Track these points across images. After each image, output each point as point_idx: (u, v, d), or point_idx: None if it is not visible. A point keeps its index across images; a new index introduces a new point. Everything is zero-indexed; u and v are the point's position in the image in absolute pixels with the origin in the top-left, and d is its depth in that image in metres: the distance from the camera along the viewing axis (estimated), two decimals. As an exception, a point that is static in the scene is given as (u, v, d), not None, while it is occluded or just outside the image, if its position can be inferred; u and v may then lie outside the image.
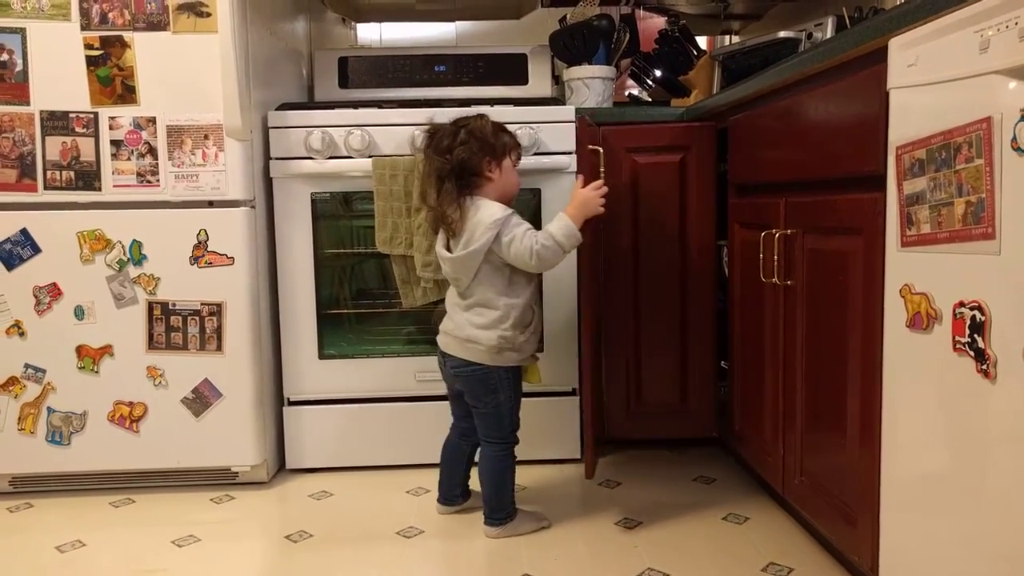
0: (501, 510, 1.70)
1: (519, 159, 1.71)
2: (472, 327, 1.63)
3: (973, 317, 0.93)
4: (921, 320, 1.04)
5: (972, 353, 0.94)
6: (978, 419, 0.94)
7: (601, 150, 1.74)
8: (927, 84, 1.01)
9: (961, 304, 0.95)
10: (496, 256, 1.60)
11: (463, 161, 1.60)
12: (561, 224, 1.60)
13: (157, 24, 1.84)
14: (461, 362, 1.65)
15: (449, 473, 1.82)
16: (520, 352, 1.66)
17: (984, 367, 0.91)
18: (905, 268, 1.08)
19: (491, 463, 1.69)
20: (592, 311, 1.69)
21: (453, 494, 1.83)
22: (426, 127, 1.68)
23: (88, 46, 1.83)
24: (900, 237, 1.08)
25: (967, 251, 0.94)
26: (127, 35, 1.84)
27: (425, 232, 1.88)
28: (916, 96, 1.04)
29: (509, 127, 1.95)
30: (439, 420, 1.92)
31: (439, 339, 1.71)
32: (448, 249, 1.64)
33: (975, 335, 0.93)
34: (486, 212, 1.59)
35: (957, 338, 0.96)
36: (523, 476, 2.03)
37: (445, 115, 1.76)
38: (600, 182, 1.66)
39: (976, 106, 0.91)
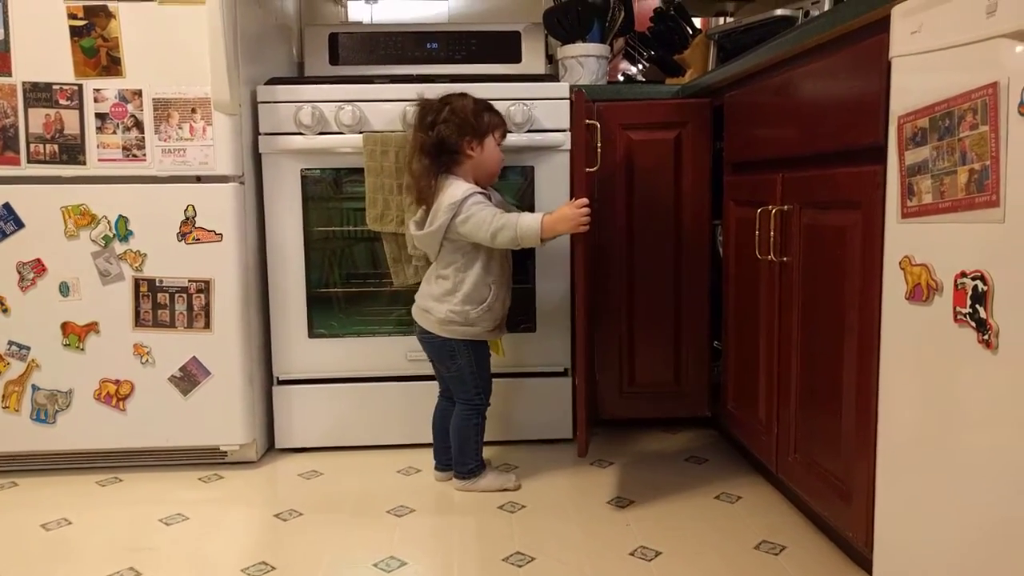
0: (464, 464, 1.80)
1: (503, 137, 1.77)
2: (430, 298, 1.76)
3: (975, 287, 0.92)
4: (921, 292, 1.02)
5: (973, 324, 0.92)
6: (979, 390, 0.93)
7: (598, 125, 1.71)
8: (931, 51, 0.99)
9: (963, 274, 0.94)
10: (455, 233, 1.68)
11: (443, 139, 1.68)
12: (530, 223, 1.64)
13: (143, -6, 1.80)
14: (422, 329, 1.78)
15: (440, 437, 1.87)
16: (473, 327, 1.73)
17: (986, 337, 0.90)
18: (905, 240, 1.06)
19: (457, 420, 1.80)
20: (586, 293, 1.69)
21: (447, 458, 1.85)
22: (416, 101, 1.74)
23: (71, 15, 1.79)
24: (900, 208, 1.07)
25: (970, 220, 0.93)
26: (112, 5, 1.79)
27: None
28: (919, 64, 1.02)
29: (502, 103, 1.93)
30: (430, 400, 1.91)
31: (413, 307, 1.82)
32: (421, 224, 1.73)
33: (977, 305, 0.92)
34: (448, 193, 1.67)
35: (958, 309, 0.95)
36: (514, 455, 2.02)
37: (434, 91, 1.77)
38: (584, 200, 1.63)
39: (982, 71, 0.89)
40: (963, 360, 0.95)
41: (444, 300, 1.73)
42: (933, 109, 0.99)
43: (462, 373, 1.76)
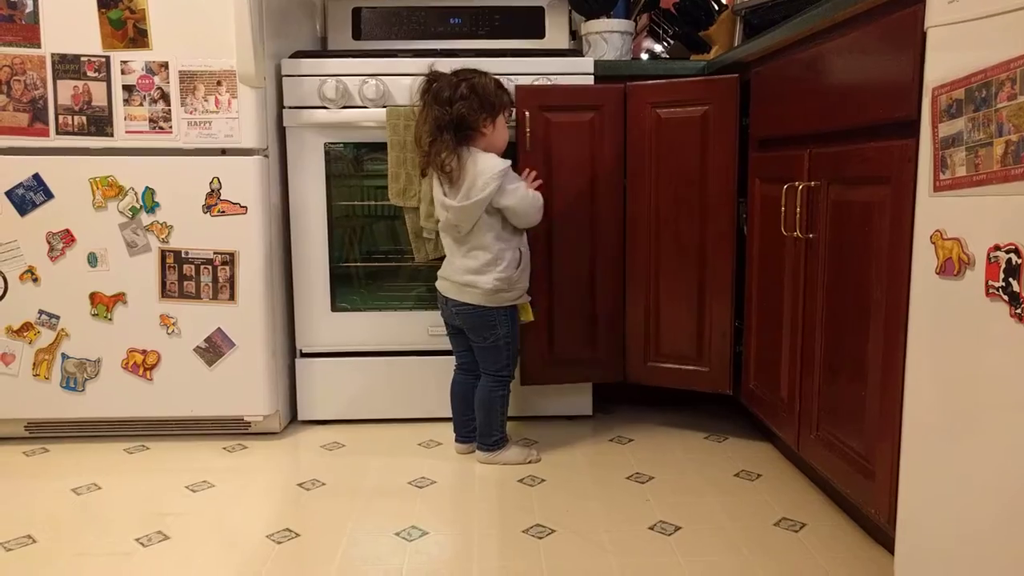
0: (489, 436, 1.82)
1: (511, 116, 1.83)
2: (469, 272, 1.75)
3: (1009, 260, 0.91)
4: (952, 266, 1.01)
5: (1006, 297, 0.91)
6: (1010, 364, 0.92)
7: (527, 114, 1.87)
8: (969, 20, 0.97)
9: (996, 248, 0.93)
10: (490, 204, 1.70)
11: (462, 116, 1.69)
12: (535, 192, 1.79)
13: (169, -35, 1.80)
14: (459, 303, 1.77)
15: (460, 410, 1.88)
16: (513, 291, 1.78)
17: (1019, 311, 0.89)
18: (937, 214, 1.05)
19: (483, 392, 1.82)
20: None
21: (467, 431, 1.88)
22: (426, 74, 1.75)
23: (99, -13, 1.80)
24: (933, 182, 1.05)
25: (1005, 192, 0.91)
26: (139, -23, 1.80)
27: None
28: (956, 34, 1.00)
29: (526, 78, 1.93)
30: (450, 374, 1.92)
31: (438, 284, 1.82)
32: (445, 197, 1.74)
33: (1010, 279, 0.90)
34: (487, 163, 1.69)
35: (990, 283, 0.94)
36: (535, 431, 2.03)
37: (446, 64, 1.78)
38: (531, 171, 1.85)
39: (1022, 40, 0.87)
40: (994, 334, 0.94)
41: (487, 271, 1.73)
42: (969, 80, 0.97)
43: (498, 343, 1.78)
